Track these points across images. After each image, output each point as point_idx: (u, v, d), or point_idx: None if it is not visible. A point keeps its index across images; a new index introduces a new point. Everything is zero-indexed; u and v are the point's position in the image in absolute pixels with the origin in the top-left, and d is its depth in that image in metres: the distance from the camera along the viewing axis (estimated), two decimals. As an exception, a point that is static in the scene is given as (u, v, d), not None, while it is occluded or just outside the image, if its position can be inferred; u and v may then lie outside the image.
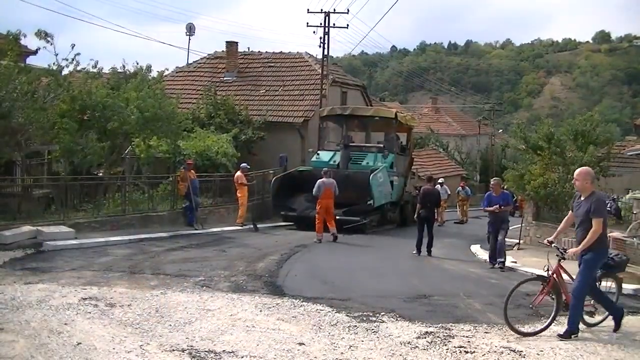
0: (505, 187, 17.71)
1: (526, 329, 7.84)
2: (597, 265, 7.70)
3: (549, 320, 7.79)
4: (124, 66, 21.22)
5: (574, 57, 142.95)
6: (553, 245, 7.92)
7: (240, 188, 19.79)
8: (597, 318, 8.12)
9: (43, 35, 16.68)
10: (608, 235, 14.33)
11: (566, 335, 7.52)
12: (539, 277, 8.00)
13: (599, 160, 20.10)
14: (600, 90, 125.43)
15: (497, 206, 13.89)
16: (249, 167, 20.77)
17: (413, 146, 31.07)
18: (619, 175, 23.67)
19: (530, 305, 7.93)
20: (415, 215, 15.91)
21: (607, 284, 8.33)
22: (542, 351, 7.03)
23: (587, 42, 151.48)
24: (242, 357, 6.40)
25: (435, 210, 17.18)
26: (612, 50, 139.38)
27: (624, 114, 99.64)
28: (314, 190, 17.54)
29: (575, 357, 6.87)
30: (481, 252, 16.74)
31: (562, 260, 7.84)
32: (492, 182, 14.83)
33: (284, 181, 21.51)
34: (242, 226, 19.25)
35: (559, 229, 8.34)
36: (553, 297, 7.83)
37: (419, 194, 16.96)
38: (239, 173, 20.01)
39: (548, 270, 7.82)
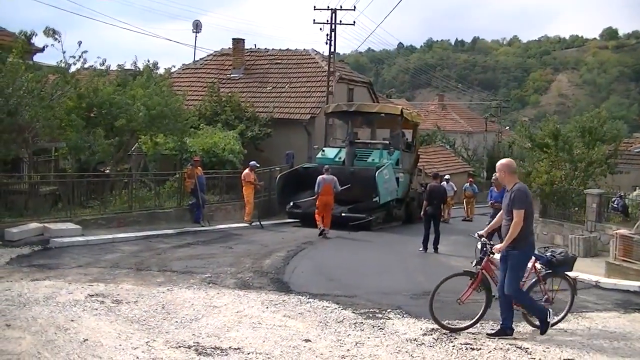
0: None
1: (454, 324, 7.74)
2: (522, 265, 7.41)
3: (477, 316, 7.64)
4: (135, 63, 21.31)
5: (581, 54, 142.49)
6: (482, 239, 7.77)
7: (246, 186, 19.79)
8: (553, 319, 7.65)
9: (51, 33, 16.72)
10: (614, 232, 14.39)
11: (500, 333, 7.36)
12: (467, 272, 7.84)
13: (607, 158, 20.04)
14: (608, 87, 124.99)
15: (492, 202, 13.90)
16: (258, 165, 20.75)
17: (419, 143, 30.97)
18: (626, 172, 23.62)
19: (458, 300, 7.67)
20: (422, 212, 15.91)
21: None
22: (548, 348, 7.01)
23: (595, 38, 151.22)
24: (248, 353, 6.41)
25: (442, 207, 17.13)
26: (619, 47, 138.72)
27: (632, 110, 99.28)
28: (315, 187, 17.61)
29: (582, 354, 6.85)
30: (488, 250, 16.66)
31: (491, 255, 7.63)
32: (493, 177, 14.74)
33: (288, 178, 21.52)
34: (250, 224, 19.26)
35: (491, 224, 8.14)
36: (481, 290, 7.63)
37: (425, 191, 16.92)
38: (246, 171, 20.01)
39: (477, 264, 7.67)
